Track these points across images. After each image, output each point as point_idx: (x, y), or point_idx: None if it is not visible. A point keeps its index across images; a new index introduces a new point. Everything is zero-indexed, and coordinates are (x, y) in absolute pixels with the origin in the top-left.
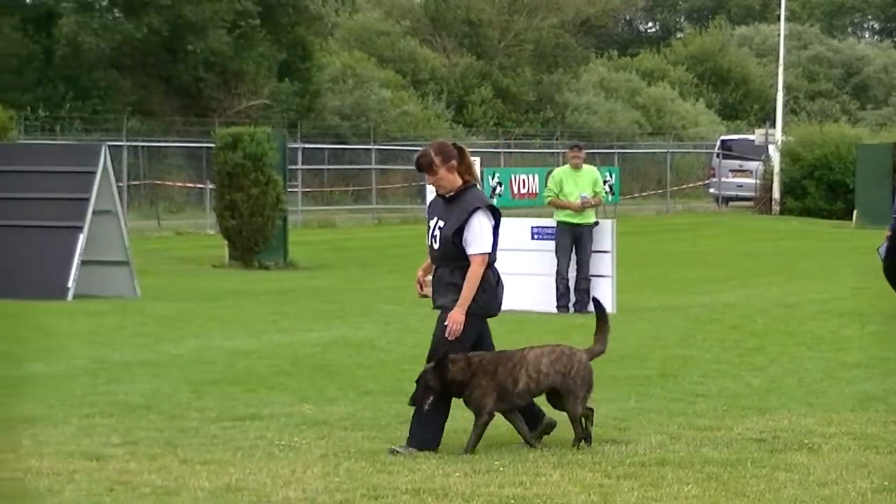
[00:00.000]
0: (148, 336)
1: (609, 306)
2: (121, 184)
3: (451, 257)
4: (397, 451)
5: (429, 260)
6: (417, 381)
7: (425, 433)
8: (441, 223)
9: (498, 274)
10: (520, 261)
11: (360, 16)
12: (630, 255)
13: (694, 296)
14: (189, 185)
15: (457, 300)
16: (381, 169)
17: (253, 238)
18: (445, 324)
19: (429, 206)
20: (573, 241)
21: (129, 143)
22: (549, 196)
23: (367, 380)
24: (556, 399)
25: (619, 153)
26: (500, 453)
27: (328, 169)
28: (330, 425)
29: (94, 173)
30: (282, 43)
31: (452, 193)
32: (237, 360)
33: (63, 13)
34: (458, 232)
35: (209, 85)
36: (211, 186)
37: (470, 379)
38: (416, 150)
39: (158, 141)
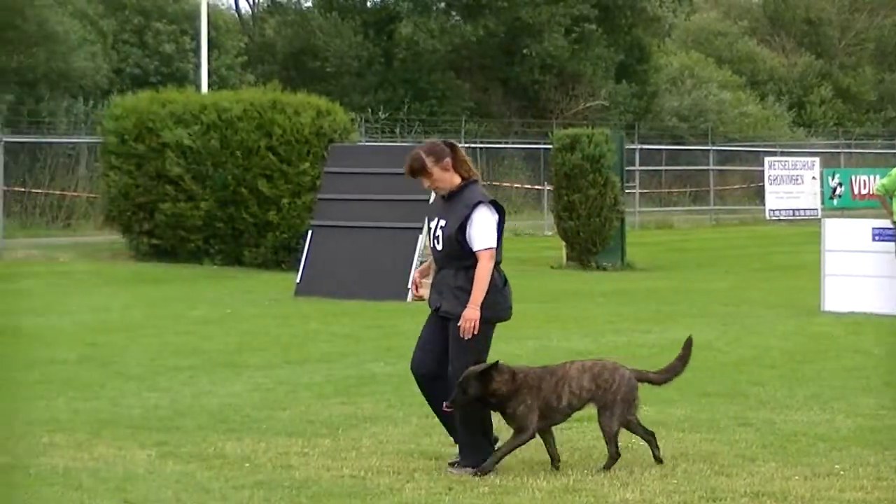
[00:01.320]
0: None
1: None
2: None
3: (455, 257)
4: (452, 472)
5: (429, 262)
6: (458, 384)
7: (477, 455)
8: (442, 222)
9: (504, 276)
10: (860, 262)
11: (697, 16)
12: None
13: None
14: (527, 186)
15: (459, 305)
16: (719, 170)
17: (591, 239)
18: (458, 324)
19: (434, 209)
20: None
21: (467, 145)
22: (878, 190)
23: (705, 381)
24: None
25: None
26: (839, 456)
27: (665, 170)
28: (668, 427)
29: None
30: (619, 45)
31: (452, 191)
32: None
33: (403, 15)
34: (461, 229)
35: (546, 87)
36: (549, 188)
37: (514, 394)
38: (755, 152)
39: (496, 143)
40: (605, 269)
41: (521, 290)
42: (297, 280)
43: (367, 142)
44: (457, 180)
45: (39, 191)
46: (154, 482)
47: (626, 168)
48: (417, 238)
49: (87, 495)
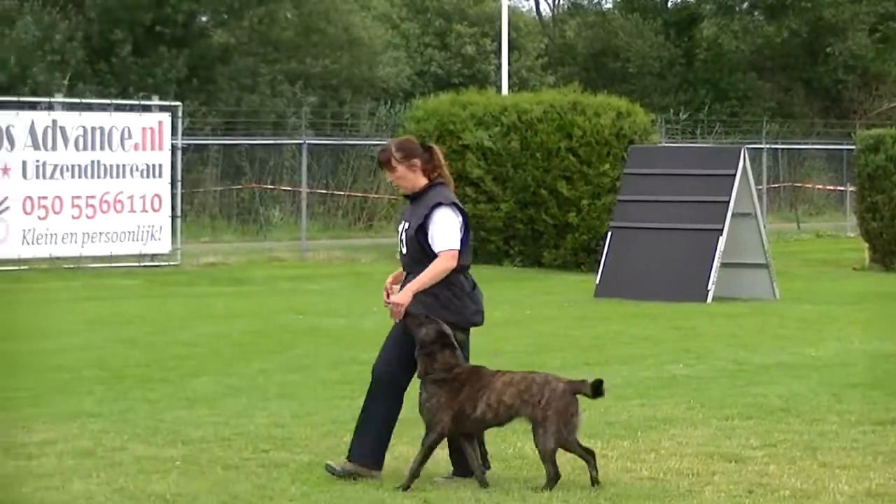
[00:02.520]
0: (787, 338)
1: None
2: (760, 186)
3: (418, 260)
4: (334, 470)
5: (400, 268)
6: (426, 317)
7: (366, 453)
8: (406, 225)
9: (473, 280)
10: None
11: None
12: None
13: None
14: (829, 187)
15: (422, 309)
16: None
17: (894, 240)
18: (403, 322)
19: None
20: None
21: (768, 146)
22: None
23: None
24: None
25: None
26: None
27: None
28: None
29: (733, 176)
30: None
31: (417, 192)
32: (878, 364)
33: (705, 16)
34: (421, 230)
35: (849, 87)
36: (851, 189)
37: (435, 383)
38: None
39: (798, 143)
40: None
41: (823, 291)
42: (597, 281)
43: (667, 143)
44: (421, 182)
45: (341, 192)
46: (453, 482)
47: None
48: (717, 239)
49: (389, 494)
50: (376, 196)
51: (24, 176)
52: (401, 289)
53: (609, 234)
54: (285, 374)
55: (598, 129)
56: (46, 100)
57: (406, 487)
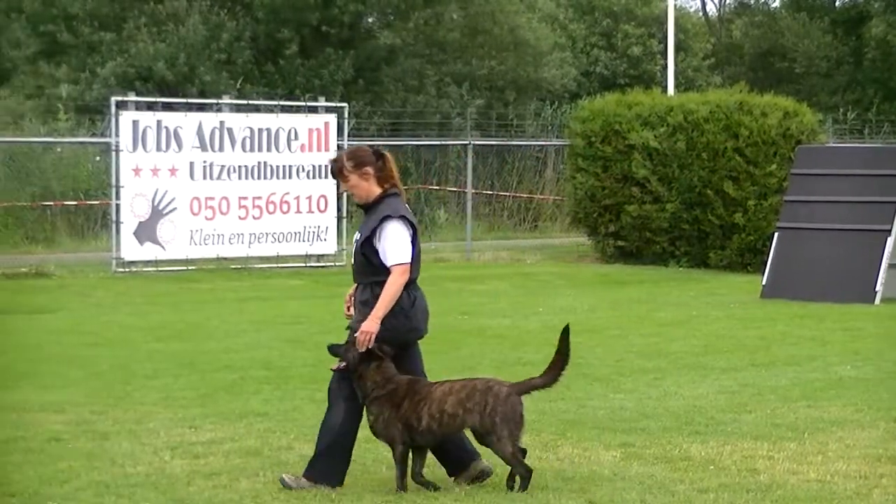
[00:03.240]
0: None
1: None
2: None
3: (363, 272)
4: (287, 483)
5: None
6: (349, 343)
7: (325, 471)
8: (357, 235)
9: (416, 296)
10: None
11: None
12: None
13: None
14: None
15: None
16: None
17: None
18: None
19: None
20: None
21: None
22: None
23: None
24: (480, 437)
25: None
26: None
27: None
28: None
29: None
30: None
31: (369, 203)
32: None
33: (873, 14)
34: (368, 242)
35: None
36: None
37: (376, 400)
38: None
39: None
40: None
41: None
42: (763, 282)
43: (834, 143)
44: (375, 191)
45: (506, 193)
46: (618, 484)
47: None
48: (885, 240)
49: (553, 495)
50: (541, 197)
51: (192, 177)
52: (356, 304)
53: (776, 234)
54: (450, 375)
55: (765, 129)
56: (214, 101)
57: (400, 488)
